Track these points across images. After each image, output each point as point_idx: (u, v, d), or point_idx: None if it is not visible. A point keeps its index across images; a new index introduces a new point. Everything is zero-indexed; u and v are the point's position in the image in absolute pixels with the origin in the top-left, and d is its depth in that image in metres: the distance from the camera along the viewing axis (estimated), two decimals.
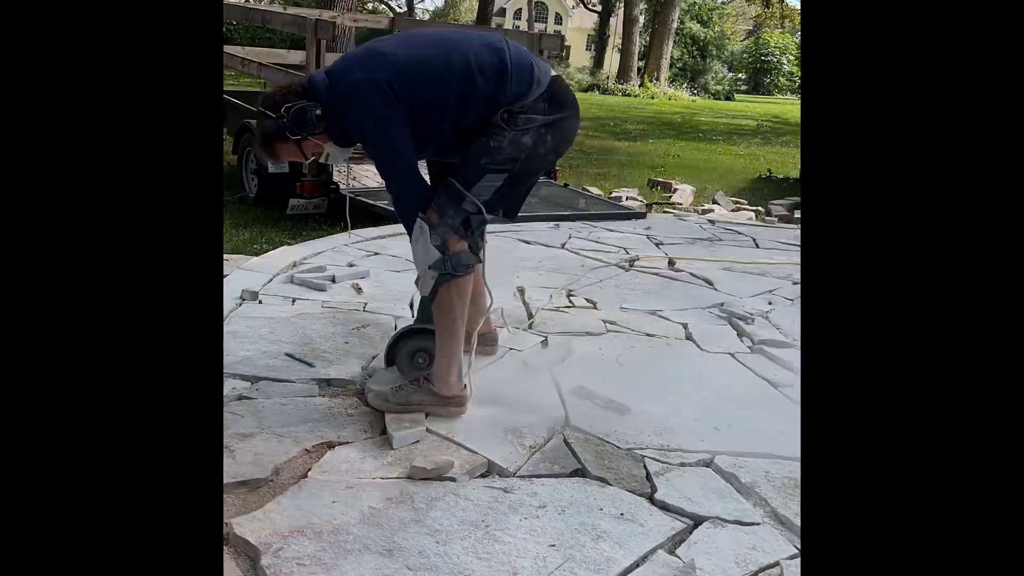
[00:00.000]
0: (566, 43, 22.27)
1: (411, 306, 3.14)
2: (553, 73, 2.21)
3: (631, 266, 3.98)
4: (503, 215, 2.28)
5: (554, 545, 1.69)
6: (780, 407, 2.44)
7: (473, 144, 2.13)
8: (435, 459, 1.97)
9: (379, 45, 2.18)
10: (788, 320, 3.22)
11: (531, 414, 2.26)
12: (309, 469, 1.94)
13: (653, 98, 20.71)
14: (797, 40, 30.42)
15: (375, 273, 3.54)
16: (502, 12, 38.23)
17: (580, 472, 2.01)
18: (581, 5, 36.98)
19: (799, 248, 3.85)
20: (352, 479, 1.90)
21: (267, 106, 2.11)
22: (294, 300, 3.13)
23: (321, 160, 2.25)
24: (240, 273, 3.40)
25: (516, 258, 3.96)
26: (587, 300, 3.37)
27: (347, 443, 2.07)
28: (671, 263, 4.07)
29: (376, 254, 3.91)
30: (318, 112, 2.08)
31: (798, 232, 5.17)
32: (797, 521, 1.82)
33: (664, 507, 1.87)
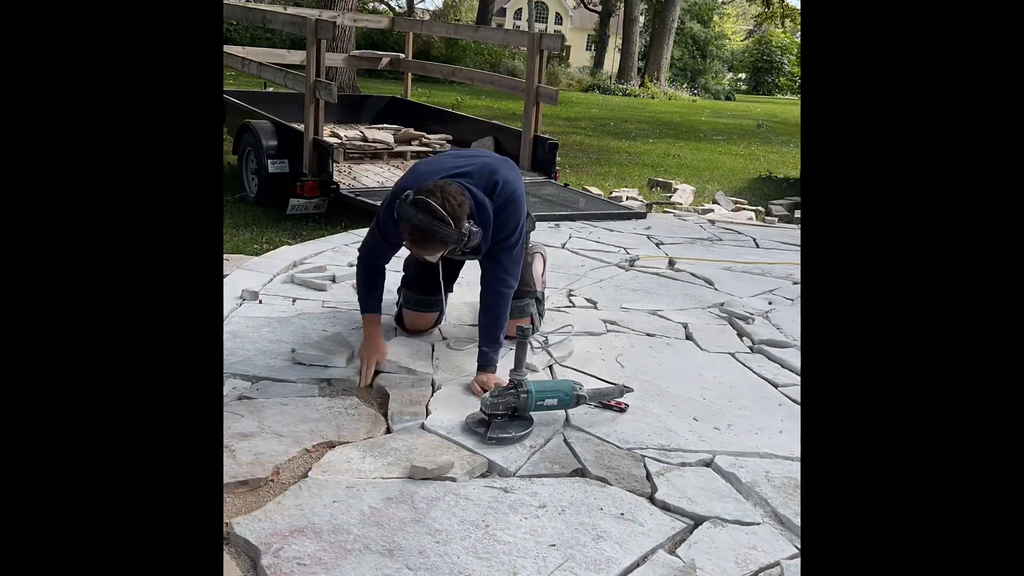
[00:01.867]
0: (566, 43, 22.28)
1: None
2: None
3: (631, 266, 3.98)
4: None
5: (554, 545, 1.69)
6: (780, 407, 2.44)
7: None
8: (435, 459, 1.97)
9: (498, 158, 2.60)
10: (788, 320, 3.22)
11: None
12: (309, 469, 1.94)
13: (653, 98, 20.70)
14: (797, 40, 30.40)
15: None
16: (502, 12, 38.24)
17: (580, 472, 2.01)
18: (581, 5, 36.98)
19: (799, 248, 3.85)
20: (352, 479, 1.90)
21: (451, 215, 2.23)
22: (294, 300, 3.13)
23: (423, 258, 2.41)
24: (240, 273, 3.40)
25: None
26: (587, 300, 3.37)
27: (347, 443, 2.07)
28: (671, 263, 4.07)
29: None
30: (479, 239, 2.33)
31: (798, 232, 5.17)
32: (797, 521, 1.82)
33: (664, 507, 1.87)
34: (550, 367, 2.62)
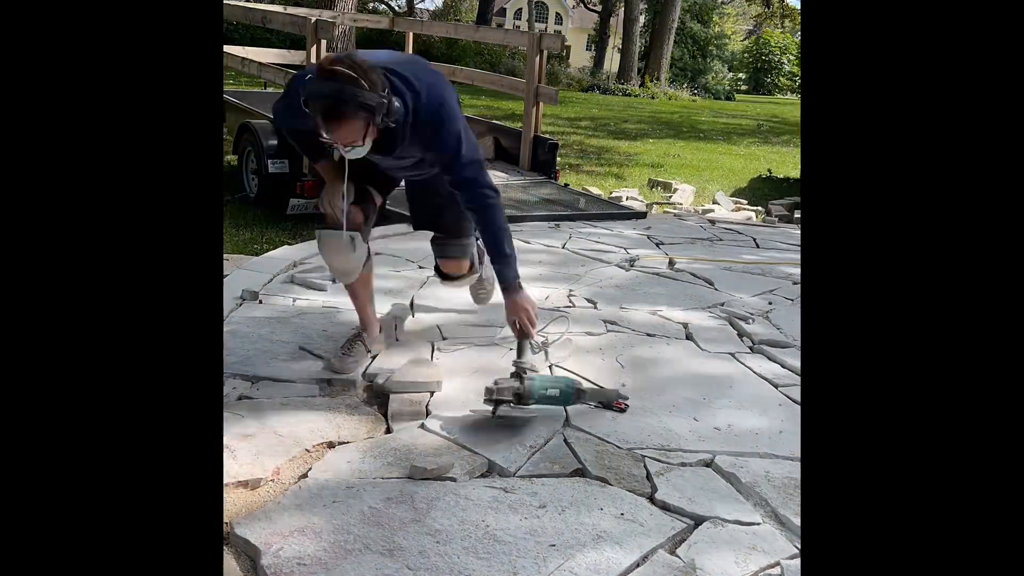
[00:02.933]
0: (566, 43, 22.27)
1: (411, 305, 3.15)
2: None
3: (631, 266, 3.98)
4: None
5: (554, 545, 1.69)
6: (780, 407, 2.44)
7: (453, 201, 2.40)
8: (435, 459, 1.97)
9: (435, 70, 2.33)
10: (788, 320, 3.22)
11: (531, 413, 2.26)
12: (309, 469, 1.94)
13: (653, 98, 20.68)
14: (797, 40, 30.39)
15: (375, 272, 3.53)
16: (502, 12, 38.22)
17: (580, 472, 2.01)
18: (581, 5, 36.97)
19: (799, 248, 3.83)
20: (352, 479, 1.90)
21: (364, 78, 1.98)
22: (294, 300, 3.13)
23: (345, 151, 2.11)
24: (240, 273, 3.40)
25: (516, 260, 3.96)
26: (587, 300, 3.37)
27: (347, 443, 2.07)
28: (671, 263, 4.07)
29: (378, 253, 3.89)
30: (401, 113, 2.09)
31: (798, 232, 5.17)
32: (797, 521, 1.82)
33: (664, 507, 1.87)
34: (550, 367, 2.62)
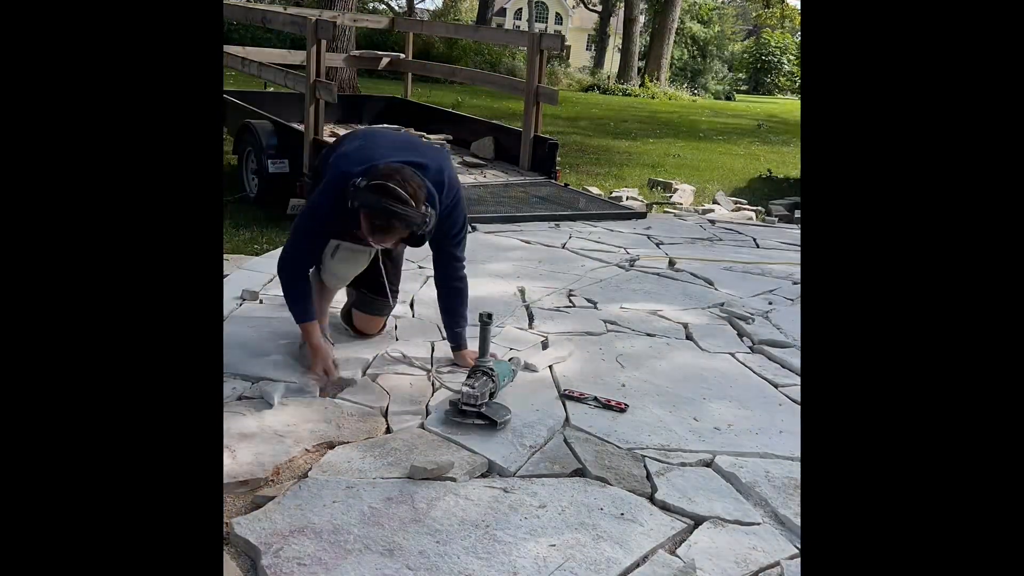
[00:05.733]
0: (566, 43, 22.23)
1: (411, 305, 3.15)
2: None
3: (631, 266, 3.98)
4: None
5: (554, 545, 1.69)
6: (780, 407, 2.44)
7: None
8: (435, 459, 1.97)
9: (439, 152, 2.54)
10: (788, 320, 3.22)
11: (531, 414, 2.26)
12: (309, 469, 1.94)
13: (653, 98, 20.68)
14: (797, 40, 30.41)
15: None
16: (502, 12, 38.23)
17: (580, 472, 2.01)
18: (581, 5, 36.97)
19: (799, 248, 3.85)
20: (352, 479, 1.90)
21: (414, 197, 2.17)
22: None
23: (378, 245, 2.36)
24: (240, 273, 3.40)
25: (516, 258, 3.97)
26: (587, 300, 3.37)
27: (347, 443, 2.07)
28: (671, 263, 4.07)
29: None
30: (434, 218, 2.26)
31: (798, 232, 5.17)
32: (797, 521, 1.82)
33: (664, 507, 1.87)
34: (550, 367, 2.62)
